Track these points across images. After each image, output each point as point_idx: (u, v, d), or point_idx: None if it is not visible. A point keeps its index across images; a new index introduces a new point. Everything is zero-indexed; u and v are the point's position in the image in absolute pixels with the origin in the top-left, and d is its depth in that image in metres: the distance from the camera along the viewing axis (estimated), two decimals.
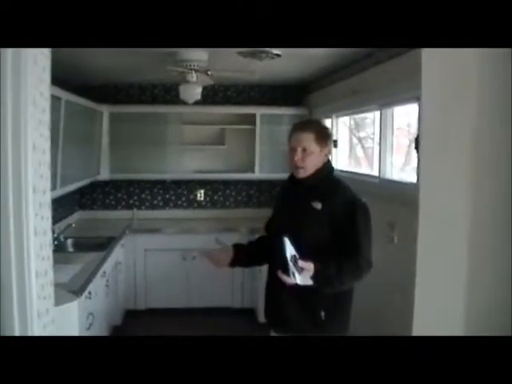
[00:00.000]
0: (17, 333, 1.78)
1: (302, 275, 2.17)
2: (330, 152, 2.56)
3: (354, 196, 2.48)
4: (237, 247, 2.71)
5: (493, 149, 1.32)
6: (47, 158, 1.94)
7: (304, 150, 2.46)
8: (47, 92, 1.92)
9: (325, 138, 2.50)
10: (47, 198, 1.94)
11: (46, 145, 1.93)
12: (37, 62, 1.79)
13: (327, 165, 2.55)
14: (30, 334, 1.80)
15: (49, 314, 1.97)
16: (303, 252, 2.26)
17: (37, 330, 1.83)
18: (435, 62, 1.38)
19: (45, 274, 1.93)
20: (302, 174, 2.49)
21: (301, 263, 2.18)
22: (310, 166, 2.47)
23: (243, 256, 2.70)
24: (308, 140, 2.46)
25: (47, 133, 1.94)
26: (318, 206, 2.43)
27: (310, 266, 2.20)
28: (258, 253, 2.76)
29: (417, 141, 4.82)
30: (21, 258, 1.77)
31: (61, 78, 4.91)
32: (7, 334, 1.77)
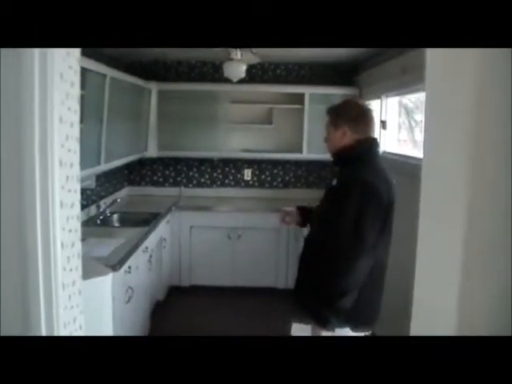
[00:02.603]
0: (42, 303, 1.81)
1: None
2: (353, 131, 2.53)
3: (359, 175, 2.43)
4: (302, 208, 3.05)
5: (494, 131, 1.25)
6: (76, 131, 1.94)
7: (326, 132, 2.65)
8: (76, 65, 1.92)
9: (339, 118, 2.58)
10: (75, 172, 1.95)
11: (75, 118, 1.94)
12: None
13: (357, 144, 2.53)
14: (54, 304, 1.82)
15: (75, 285, 1.99)
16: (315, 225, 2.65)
17: (62, 300, 1.86)
18: (439, 54, 1.32)
19: (71, 246, 1.95)
20: (329, 151, 2.66)
21: None
22: (329, 145, 2.64)
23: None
24: (327, 122, 2.65)
25: (76, 106, 1.94)
26: (334, 182, 2.53)
27: None
28: None
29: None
30: (46, 229, 1.79)
31: (113, 55, 4.99)
32: (31, 304, 1.80)
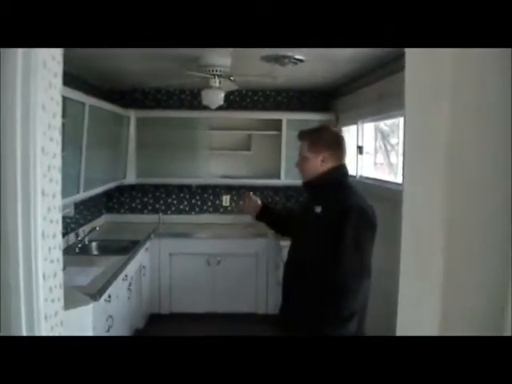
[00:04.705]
0: (24, 335, 1.79)
1: None
2: (331, 157, 2.58)
3: (351, 201, 2.47)
4: (265, 204, 3.06)
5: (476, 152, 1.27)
6: (58, 162, 1.95)
7: (301, 157, 2.65)
8: (58, 97, 1.94)
9: (319, 144, 2.59)
10: (57, 202, 1.96)
11: (57, 149, 1.94)
12: (47, 66, 1.81)
13: (333, 170, 2.58)
14: (36, 335, 1.81)
15: (57, 316, 1.98)
16: (304, 251, 2.58)
17: (44, 332, 1.84)
18: (419, 64, 1.34)
19: (53, 277, 1.94)
20: (303, 178, 2.69)
21: None
22: (305, 171, 2.65)
23: (269, 214, 3.04)
24: (302, 147, 2.65)
25: (58, 137, 1.95)
26: (318, 209, 2.52)
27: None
28: (283, 220, 3.05)
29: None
30: (28, 261, 1.78)
31: (92, 82, 5.01)
32: (14, 334, 1.78)
